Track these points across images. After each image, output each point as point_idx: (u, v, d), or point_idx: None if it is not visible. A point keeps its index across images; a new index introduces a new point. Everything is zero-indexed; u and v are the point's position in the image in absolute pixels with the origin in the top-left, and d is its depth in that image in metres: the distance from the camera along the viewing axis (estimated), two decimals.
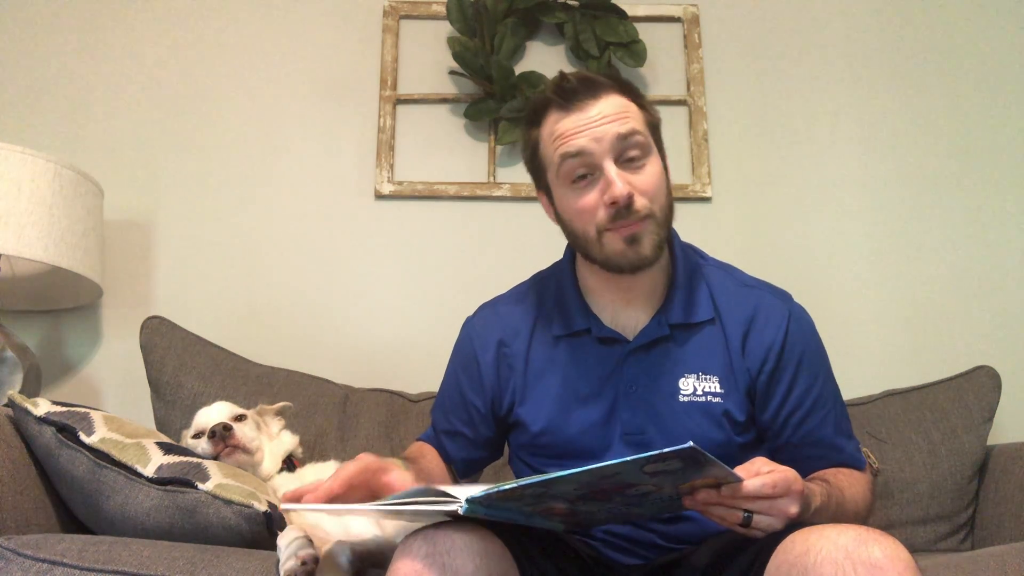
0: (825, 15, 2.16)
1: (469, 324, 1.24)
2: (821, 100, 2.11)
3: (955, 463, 1.58)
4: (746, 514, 0.84)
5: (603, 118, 1.02)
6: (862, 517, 1.05)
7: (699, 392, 1.08)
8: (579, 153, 1.02)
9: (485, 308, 1.25)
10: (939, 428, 1.61)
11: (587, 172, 1.03)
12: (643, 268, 1.06)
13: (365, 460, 0.94)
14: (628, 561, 1.10)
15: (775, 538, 0.84)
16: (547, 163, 1.08)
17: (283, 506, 0.94)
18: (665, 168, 1.09)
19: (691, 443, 0.72)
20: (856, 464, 1.12)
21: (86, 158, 1.97)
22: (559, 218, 1.12)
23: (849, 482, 1.06)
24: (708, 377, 1.09)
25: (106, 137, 2.04)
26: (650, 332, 1.10)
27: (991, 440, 1.64)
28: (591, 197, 1.03)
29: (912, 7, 2.16)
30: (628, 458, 0.73)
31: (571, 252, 1.18)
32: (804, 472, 1.11)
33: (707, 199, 2.03)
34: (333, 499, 0.88)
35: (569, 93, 1.04)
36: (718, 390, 1.08)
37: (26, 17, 2.11)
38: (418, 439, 1.31)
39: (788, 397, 1.09)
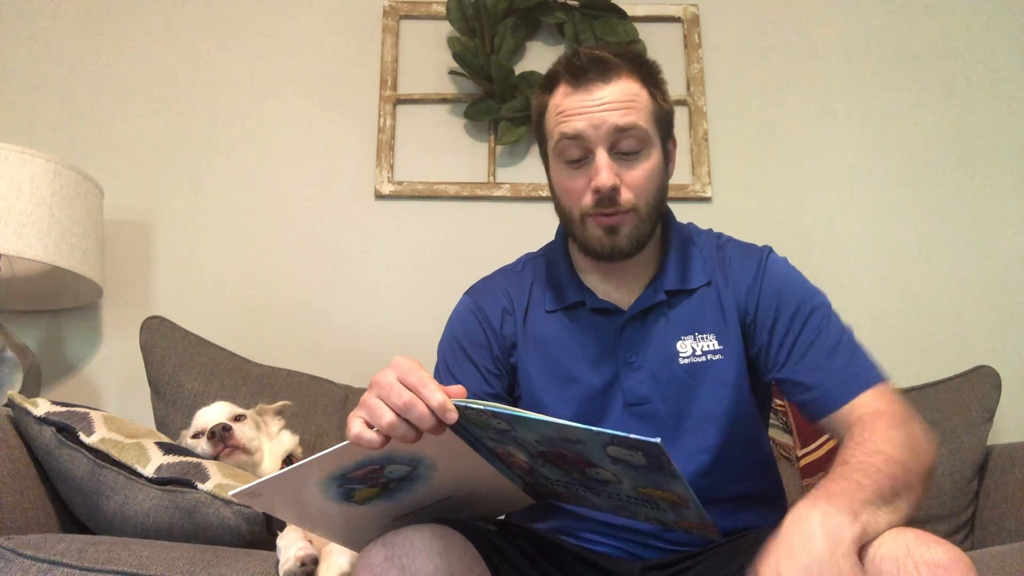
0: (825, 15, 2.16)
1: (469, 294, 1.20)
2: (821, 100, 2.10)
3: (955, 463, 1.58)
4: None
5: (606, 104, 1.01)
6: (911, 466, 0.84)
7: (698, 352, 1.06)
8: (576, 136, 1.02)
9: (483, 282, 1.21)
10: (939, 428, 1.60)
11: (581, 156, 1.03)
12: (617, 259, 1.06)
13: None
14: (608, 549, 1.04)
15: None
16: (548, 135, 1.08)
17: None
18: (667, 159, 1.09)
19: (659, 440, 0.68)
20: (867, 381, 0.98)
21: (86, 158, 1.97)
22: (551, 189, 1.12)
23: (864, 438, 0.88)
24: (704, 336, 1.07)
25: (106, 137, 2.04)
26: (645, 300, 1.09)
27: (991, 440, 1.64)
28: (580, 180, 1.04)
29: (912, 7, 2.16)
30: (592, 428, 0.70)
31: (564, 231, 1.17)
32: (819, 408, 1.00)
33: (707, 199, 2.03)
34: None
35: (579, 71, 1.03)
36: (716, 347, 1.06)
37: (26, 17, 2.11)
38: None
39: (774, 329, 1.05)
